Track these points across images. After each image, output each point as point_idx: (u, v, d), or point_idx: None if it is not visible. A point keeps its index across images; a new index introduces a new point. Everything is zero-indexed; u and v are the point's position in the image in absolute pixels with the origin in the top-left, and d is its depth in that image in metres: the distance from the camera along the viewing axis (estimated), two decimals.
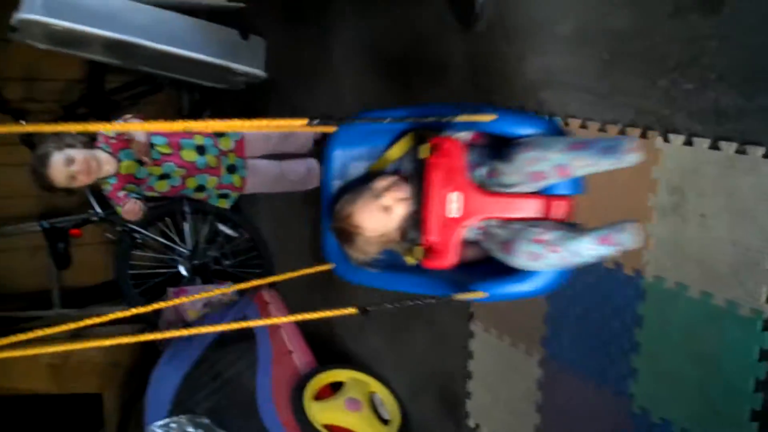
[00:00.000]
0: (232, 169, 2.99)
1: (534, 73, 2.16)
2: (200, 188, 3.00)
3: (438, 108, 1.74)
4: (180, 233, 3.91)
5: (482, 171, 1.66)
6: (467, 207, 1.65)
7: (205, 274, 3.94)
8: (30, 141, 3.87)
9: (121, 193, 2.84)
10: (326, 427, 2.87)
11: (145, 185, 2.91)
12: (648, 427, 1.92)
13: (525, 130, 1.63)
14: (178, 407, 3.12)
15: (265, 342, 3.27)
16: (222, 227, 3.83)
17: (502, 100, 2.30)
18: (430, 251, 1.69)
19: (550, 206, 1.65)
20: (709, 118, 1.69)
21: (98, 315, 1.54)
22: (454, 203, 1.66)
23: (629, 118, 1.88)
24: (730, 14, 1.61)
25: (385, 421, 3.00)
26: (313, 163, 3.40)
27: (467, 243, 1.71)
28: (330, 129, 1.86)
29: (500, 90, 2.31)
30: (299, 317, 1.60)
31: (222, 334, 3.36)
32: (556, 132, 1.67)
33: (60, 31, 3.29)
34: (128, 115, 2.84)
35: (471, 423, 2.63)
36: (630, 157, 1.44)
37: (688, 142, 1.74)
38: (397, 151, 1.86)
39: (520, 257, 1.55)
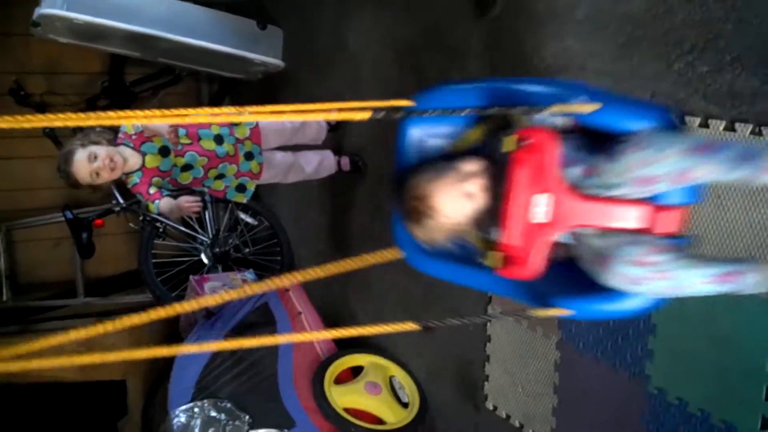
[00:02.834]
0: (249, 156, 3.03)
1: (551, 57, 2.18)
2: (220, 176, 3.04)
3: (528, 87, 1.50)
4: (201, 222, 3.96)
5: (577, 169, 1.41)
6: (557, 212, 1.40)
7: (226, 262, 3.99)
8: (53, 134, 3.93)
9: (152, 190, 2.87)
10: (346, 410, 2.91)
11: (169, 177, 2.95)
12: (664, 407, 1.95)
13: (636, 124, 1.37)
14: (201, 392, 3.17)
15: (285, 328, 3.31)
16: (242, 215, 3.86)
17: None
18: (508, 258, 1.43)
19: (658, 217, 1.38)
20: (724, 100, 1.70)
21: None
22: (541, 207, 1.40)
23: (645, 100, 1.89)
24: None
25: (404, 404, 3.04)
26: (327, 153, 3.44)
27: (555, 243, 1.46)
28: (404, 103, 1.62)
29: (519, 74, 2.33)
30: (357, 330, 1.55)
31: (243, 321, 3.41)
32: (674, 127, 1.39)
33: (81, 25, 3.34)
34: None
35: (489, 405, 2.66)
36: None
37: (704, 124, 1.75)
38: (479, 132, 1.60)
39: (616, 279, 1.33)
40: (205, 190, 3.16)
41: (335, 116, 1.34)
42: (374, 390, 3.00)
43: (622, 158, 1.31)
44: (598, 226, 1.40)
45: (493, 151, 1.49)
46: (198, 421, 3.07)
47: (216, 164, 2.97)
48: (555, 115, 1.41)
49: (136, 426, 4.39)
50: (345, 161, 3.43)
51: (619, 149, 1.32)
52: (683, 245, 1.38)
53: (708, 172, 1.27)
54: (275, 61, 3.78)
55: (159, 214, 3.01)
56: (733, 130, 1.68)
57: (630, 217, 1.38)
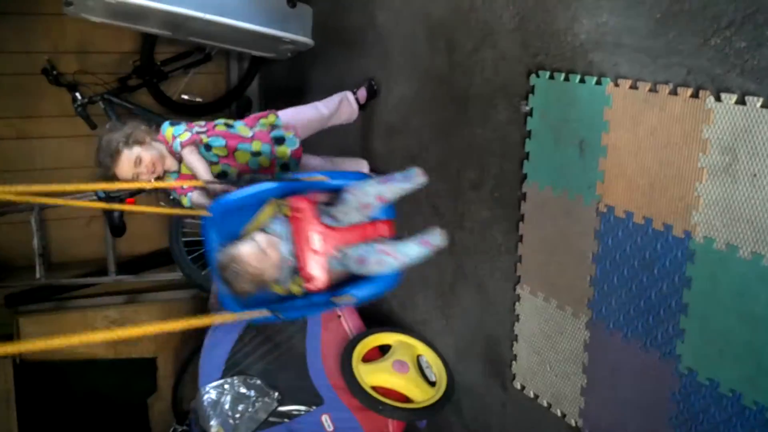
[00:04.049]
0: (285, 167, 3.02)
1: (585, 33, 2.15)
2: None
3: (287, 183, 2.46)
4: None
5: (327, 217, 2.32)
6: (326, 242, 2.30)
7: None
8: (85, 113, 3.98)
9: (185, 185, 2.89)
10: (374, 388, 2.92)
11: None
12: (695, 387, 1.93)
13: (347, 181, 2.40)
14: (230, 369, 3.21)
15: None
16: None
17: (553, 63, 2.29)
18: (307, 278, 2.29)
19: (378, 227, 2.37)
20: (762, 76, 1.67)
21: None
22: (316, 239, 2.29)
23: (681, 77, 1.86)
24: None
25: (431, 383, 3.05)
26: (363, 163, 3.46)
27: (332, 270, 2.31)
28: (206, 213, 2.46)
29: (550, 52, 2.30)
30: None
31: None
32: (368, 177, 2.45)
33: (113, 4, 3.36)
34: (200, 127, 2.90)
35: (517, 384, 2.66)
36: (419, 179, 2.34)
37: (741, 101, 1.72)
38: (264, 216, 2.40)
39: (372, 265, 2.26)
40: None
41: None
42: (402, 369, 3.01)
43: (346, 200, 2.32)
44: (352, 241, 2.32)
45: (279, 222, 2.35)
46: (228, 398, 3.11)
47: (248, 172, 2.97)
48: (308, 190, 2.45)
49: (166, 403, 4.46)
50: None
51: (344, 194, 2.32)
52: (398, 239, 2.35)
53: (392, 189, 2.33)
54: (305, 40, 3.77)
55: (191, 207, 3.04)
56: None
57: (365, 232, 2.35)
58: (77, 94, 4.00)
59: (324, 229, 2.30)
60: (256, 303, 2.28)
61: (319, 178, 2.45)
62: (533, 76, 2.37)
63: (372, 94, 3.40)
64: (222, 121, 2.97)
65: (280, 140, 2.99)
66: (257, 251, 2.23)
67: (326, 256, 2.29)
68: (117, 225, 3.96)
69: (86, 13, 3.67)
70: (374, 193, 2.30)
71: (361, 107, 3.43)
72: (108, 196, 3.83)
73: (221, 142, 2.86)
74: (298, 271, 2.31)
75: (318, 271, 2.29)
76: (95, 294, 4.62)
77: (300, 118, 3.14)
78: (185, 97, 4.64)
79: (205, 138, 2.83)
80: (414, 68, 3.12)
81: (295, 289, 2.33)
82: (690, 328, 1.94)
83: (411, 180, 2.32)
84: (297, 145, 3.02)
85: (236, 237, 2.37)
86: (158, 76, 4.41)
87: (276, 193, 2.43)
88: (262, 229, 2.35)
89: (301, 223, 2.30)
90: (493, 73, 2.59)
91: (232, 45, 4.05)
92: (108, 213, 3.97)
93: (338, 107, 3.31)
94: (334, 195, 2.39)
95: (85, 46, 4.47)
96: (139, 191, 3.92)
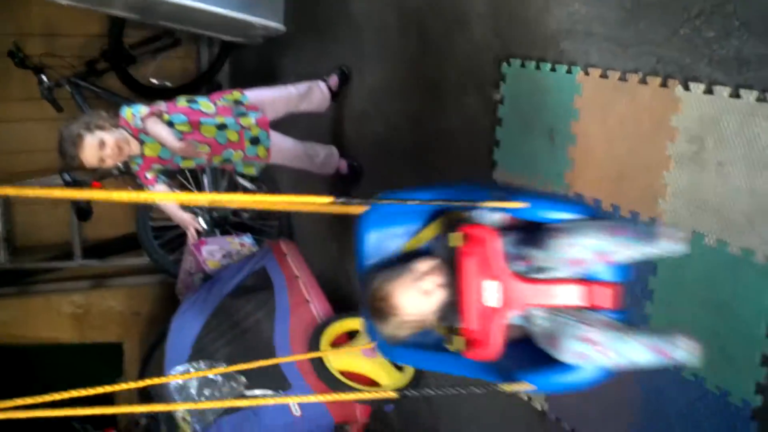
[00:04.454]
0: (255, 141, 2.99)
1: (556, 22, 2.16)
2: (226, 161, 3.02)
3: (467, 191, 1.66)
4: (199, 186, 3.95)
5: (518, 260, 1.60)
6: (507, 296, 1.57)
7: (224, 226, 4.00)
8: (51, 96, 3.91)
9: (150, 175, 2.87)
10: (342, 373, 2.93)
11: (170, 164, 2.94)
12: (659, 372, 1.96)
13: (559, 215, 1.57)
14: (197, 354, 3.20)
15: (282, 291, 3.32)
16: (240, 180, 3.86)
17: (524, 51, 2.31)
18: (471, 342, 1.61)
19: (594, 292, 1.56)
20: (730, 66, 1.70)
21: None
22: (491, 292, 1.57)
23: (650, 67, 1.89)
24: None
25: (399, 368, 3.06)
26: (333, 150, 3.43)
27: (510, 326, 1.62)
28: (358, 209, 1.80)
29: (522, 40, 2.32)
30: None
31: (240, 285, 3.42)
32: (593, 215, 1.60)
33: None
34: (159, 105, 2.86)
35: None
36: (669, 245, 1.48)
37: (709, 91, 1.74)
38: (429, 232, 1.79)
39: (567, 356, 1.49)
40: (198, 213, 3.23)
41: (300, 202, 1.45)
42: (370, 353, 3.02)
43: (549, 246, 1.52)
44: (544, 305, 1.57)
45: (442, 249, 1.69)
46: (194, 382, 3.10)
47: (219, 151, 2.93)
48: (492, 212, 1.63)
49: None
50: (343, 165, 3.43)
51: (547, 237, 1.53)
52: (621, 320, 1.55)
53: (623, 250, 1.50)
54: (276, 25, 3.74)
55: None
56: (738, 96, 1.68)
57: (570, 295, 1.56)
58: (43, 77, 3.93)
59: (506, 276, 1.58)
60: (413, 345, 1.78)
61: (517, 203, 1.58)
62: (504, 64, 2.38)
63: (344, 80, 3.39)
64: (184, 98, 2.95)
65: (242, 113, 2.98)
66: (417, 294, 1.63)
67: (503, 316, 1.58)
68: (83, 208, 3.90)
69: None
70: (593, 249, 1.50)
71: (334, 95, 3.41)
72: (74, 180, 3.78)
73: (183, 118, 2.84)
74: (458, 324, 1.65)
75: (485, 335, 1.59)
76: (61, 279, 4.56)
77: (267, 95, 3.13)
78: (154, 81, 4.58)
79: (166, 116, 2.82)
80: (386, 55, 3.12)
81: (451, 348, 1.70)
82: (656, 314, 1.97)
83: (656, 243, 1.49)
84: (260, 114, 3.01)
85: (391, 252, 1.83)
86: (126, 60, 4.33)
87: (446, 208, 1.75)
88: (426, 254, 1.75)
89: (473, 262, 1.59)
90: (465, 61, 2.60)
91: (202, 29, 4.01)
92: None
93: (309, 91, 3.28)
94: (532, 231, 1.60)
95: (52, 28, 4.38)
96: (107, 175, 3.87)
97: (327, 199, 1.42)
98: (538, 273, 1.58)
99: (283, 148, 3.14)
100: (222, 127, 2.90)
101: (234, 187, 3.94)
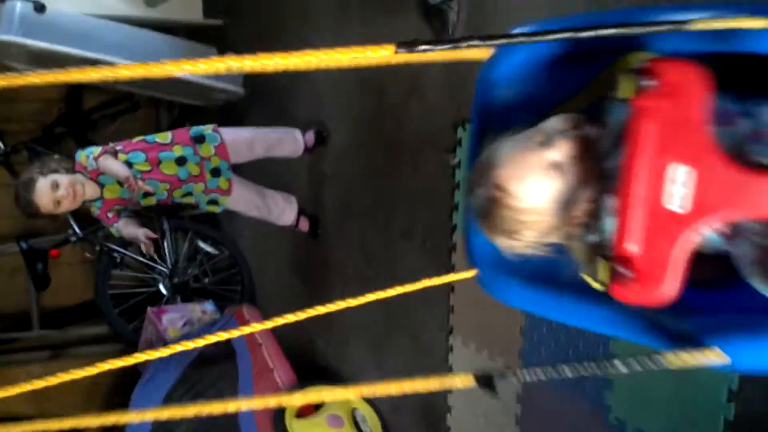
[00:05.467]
0: (215, 172, 2.95)
1: None
2: (187, 194, 2.99)
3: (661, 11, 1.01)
4: (159, 251, 3.89)
5: (739, 128, 0.98)
6: (705, 194, 0.91)
7: (186, 293, 3.93)
8: (8, 162, 3.86)
9: (111, 214, 2.84)
10: None
11: (131, 204, 2.90)
12: None
13: None
14: (158, 429, 3.10)
15: (245, 360, 3.25)
16: (202, 244, 3.82)
17: None
18: (627, 271, 0.96)
19: None
20: None
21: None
22: (679, 185, 0.91)
23: None
24: None
25: None
26: (292, 198, 3.40)
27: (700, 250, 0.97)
28: (482, 53, 1.19)
29: None
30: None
31: (202, 354, 3.34)
32: None
33: (37, 52, 3.29)
34: (114, 144, 2.83)
35: None
36: None
37: None
38: (586, 97, 1.15)
39: None
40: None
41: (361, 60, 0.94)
42: (337, 423, 2.95)
43: None
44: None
45: (603, 111, 1.04)
46: None
47: (179, 185, 2.91)
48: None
49: None
50: (304, 223, 3.40)
51: None
52: None
53: None
54: (235, 89, 3.76)
55: (121, 237, 2.98)
56: None
57: None
58: (0, 143, 3.89)
59: (710, 159, 0.90)
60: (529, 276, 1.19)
61: (759, 20, 0.90)
62: (460, 128, 2.40)
63: (320, 141, 3.34)
64: (140, 138, 2.92)
65: (199, 138, 2.92)
66: (541, 171, 1.02)
67: (691, 230, 0.92)
68: (40, 276, 3.82)
69: (10, 60, 3.58)
70: None
71: (308, 150, 3.35)
72: (31, 248, 3.71)
73: (141, 156, 2.80)
74: (611, 239, 0.98)
75: (662, 265, 0.94)
76: (18, 349, 4.43)
77: (245, 135, 3.09)
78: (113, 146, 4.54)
79: (123, 155, 2.77)
80: (346, 118, 3.13)
81: (599, 278, 1.02)
82: (617, 379, 1.95)
83: None
84: (218, 141, 2.96)
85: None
86: (85, 125, 4.31)
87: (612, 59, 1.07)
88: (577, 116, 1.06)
89: (655, 126, 0.91)
90: (423, 125, 2.62)
91: (162, 93, 4.01)
92: (31, 265, 3.83)
93: (282, 136, 3.24)
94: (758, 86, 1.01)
95: (9, 93, 4.32)
96: (65, 242, 3.79)
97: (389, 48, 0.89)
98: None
99: (243, 183, 3.11)
100: (182, 161, 2.86)
101: (195, 252, 3.89)
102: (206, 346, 3.32)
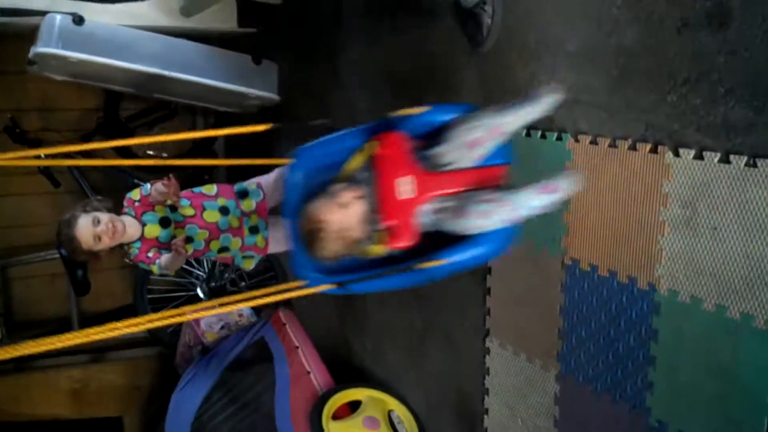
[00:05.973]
0: (254, 230, 2.97)
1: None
2: (224, 249, 2.99)
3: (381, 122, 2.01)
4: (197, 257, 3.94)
5: (425, 159, 1.90)
6: (420, 188, 1.88)
7: (222, 297, 3.97)
8: (48, 171, 3.93)
9: (151, 254, 2.85)
10: None
11: (168, 248, 2.92)
12: None
13: (453, 114, 1.95)
14: (197, 430, 3.14)
15: (282, 363, 3.29)
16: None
17: None
18: (391, 233, 1.88)
19: (488, 175, 1.92)
20: (719, 132, 1.71)
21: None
22: (405, 185, 1.88)
23: (639, 133, 1.90)
24: (738, 29, 1.63)
25: None
26: None
27: (424, 226, 1.90)
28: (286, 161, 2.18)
29: None
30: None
31: (240, 357, 3.38)
32: (476, 109, 1.95)
33: (76, 63, 3.36)
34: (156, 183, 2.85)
35: None
36: (546, 99, 1.87)
37: (699, 156, 1.75)
38: (355, 162, 2.00)
39: (472, 217, 1.80)
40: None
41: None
42: (372, 425, 2.97)
43: (452, 136, 1.86)
44: (450, 192, 1.89)
45: (366, 168, 1.94)
46: None
47: (218, 236, 2.90)
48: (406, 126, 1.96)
49: None
50: None
51: (449, 131, 1.88)
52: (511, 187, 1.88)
53: (511, 119, 1.86)
54: (270, 95, 3.80)
55: (162, 274, 2.98)
56: (728, 162, 1.69)
57: (470, 179, 1.90)
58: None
59: (417, 172, 1.89)
60: (341, 270, 1.99)
61: (416, 110, 1.97)
62: None
63: None
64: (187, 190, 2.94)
65: (243, 194, 2.96)
66: (337, 209, 1.85)
67: (417, 205, 1.88)
68: (81, 282, 3.89)
69: (50, 72, 3.66)
70: (489, 125, 1.84)
71: None
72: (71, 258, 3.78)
73: (186, 202, 2.83)
74: (380, 225, 1.90)
75: (403, 224, 1.87)
76: (59, 352, 4.51)
77: (267, 179, 3.11)
78: (150, 153, 4.61)
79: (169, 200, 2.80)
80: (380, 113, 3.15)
81: (377, 249, 1.93)
82: (658, 381, 1.94)
83: (537, 102, 1.87)
84: (261, 197, 2.99)
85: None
86: (122, 133, 4.38)
87: (368, 136, 2.02)
88: (348, 179, 1.97)
89: (388, 165, 1.89)
90: None
91: (198, 101, 4.06)
92: (71, 271, 3.90)
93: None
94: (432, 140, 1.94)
95: (48, 103, 4.44)
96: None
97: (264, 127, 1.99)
98: (444, 167, 1.89)
99: (279, 229, 3.12)
100: (225, 211, 2.88)
101: None
102: (244, 350, 3.36)
